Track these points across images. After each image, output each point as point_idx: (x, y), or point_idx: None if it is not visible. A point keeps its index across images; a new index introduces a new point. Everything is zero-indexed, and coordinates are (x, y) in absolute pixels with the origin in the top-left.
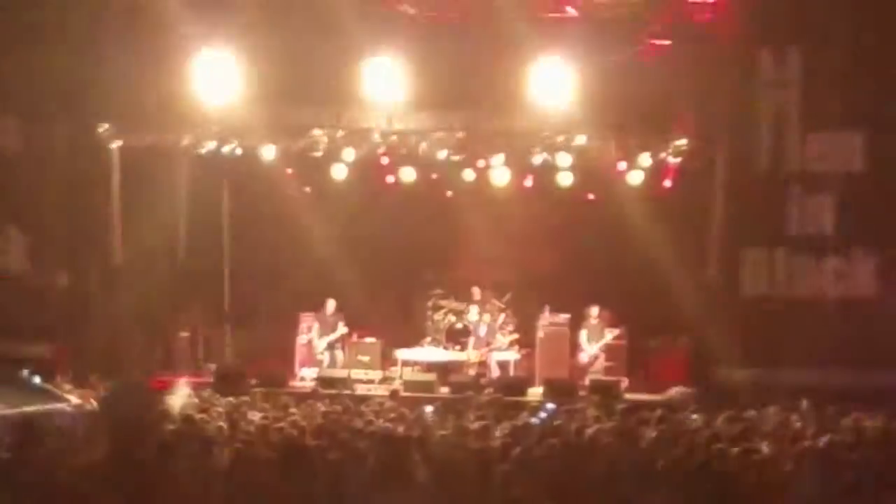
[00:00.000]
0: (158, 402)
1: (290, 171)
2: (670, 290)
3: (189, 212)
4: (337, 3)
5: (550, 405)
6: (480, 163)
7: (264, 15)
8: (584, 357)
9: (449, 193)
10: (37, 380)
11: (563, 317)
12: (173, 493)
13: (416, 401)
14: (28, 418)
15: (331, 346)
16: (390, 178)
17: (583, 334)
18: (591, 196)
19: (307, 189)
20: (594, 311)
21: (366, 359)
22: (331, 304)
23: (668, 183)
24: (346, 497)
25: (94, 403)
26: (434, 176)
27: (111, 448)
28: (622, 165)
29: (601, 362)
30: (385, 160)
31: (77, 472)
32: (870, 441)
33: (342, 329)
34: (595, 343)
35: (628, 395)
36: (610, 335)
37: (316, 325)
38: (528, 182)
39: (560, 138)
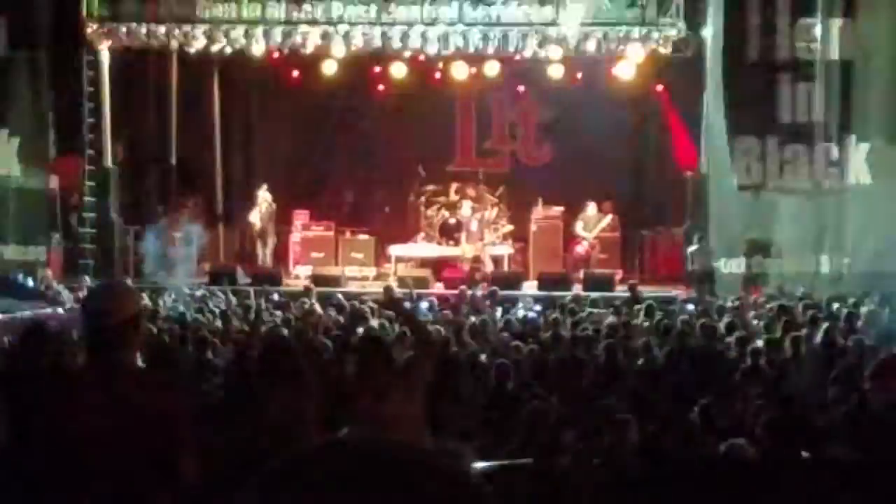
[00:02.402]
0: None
1: (278, 62)
2: (663, 181)
3: (180, 112)
4: None
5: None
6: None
7: None
8: (581, 248)
9: (443, 89)
10: (30, 283)
11: (557, 209)
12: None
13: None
14: (23, 322)
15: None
16: (378, 69)
17: (578, 225)
18: (584, 87)
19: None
20: (591, 206)
21: (360, 255)
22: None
23: (660, 88)
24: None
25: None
26: (427, 71)
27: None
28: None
29: (597, 252)
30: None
31: (71, 377)
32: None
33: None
34: (592, 230)
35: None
36: (607, 219)
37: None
38: (520, 75)
39: (550, 31)
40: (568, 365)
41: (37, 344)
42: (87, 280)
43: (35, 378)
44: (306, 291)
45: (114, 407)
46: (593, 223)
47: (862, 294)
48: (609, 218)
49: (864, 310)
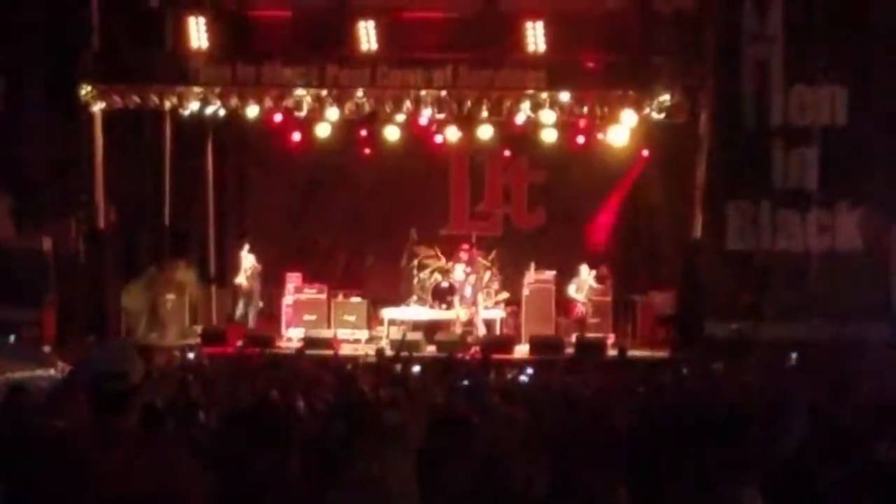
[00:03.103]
0: (141, 364)
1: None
2: (656, 245)
3: (174, 173)
4: None
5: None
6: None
7: None
8: (579, 309)
9: (437, 152)
10: (22, 345)
11: (549, 274)
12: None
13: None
14: (13, 385)
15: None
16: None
17: (571, 287)
18: (579, 152)
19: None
20: (584, 269)
21: (352, 318)
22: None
23: (645, 152)
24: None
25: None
26: (421, 135)
27: (90, 415)
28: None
29: (590, 315)
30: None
31: (57, 440)
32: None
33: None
34: (585, 292)
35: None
36: (591, 277)
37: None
38: (513, 139)
39: (544, 95)
40: (561, 430)
41: (19, 406)
42: (80, 342)
43: (29, 441)
44: (298, 354)
45: (119, 472)
46: (586, 285)
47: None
48: (594, 275)
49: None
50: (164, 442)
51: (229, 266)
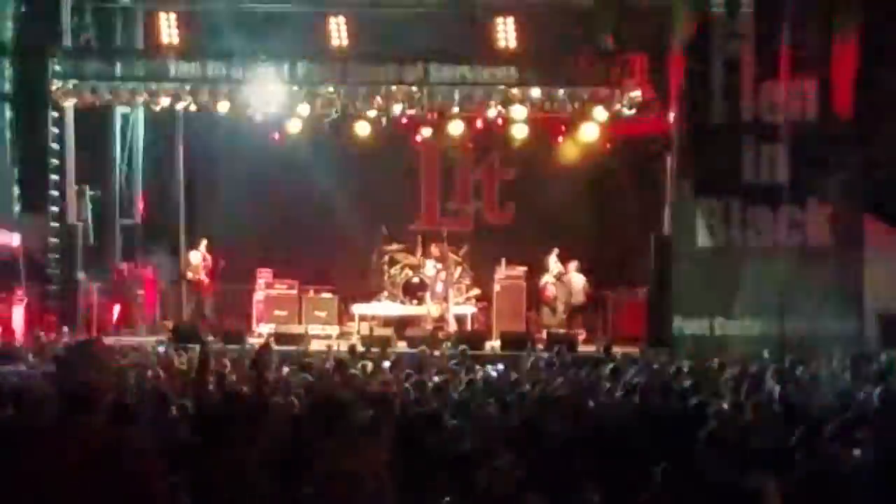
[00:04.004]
0: (112, 362)
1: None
2: (627, 242)
3: (145, 168)
4: None
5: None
6: (432, 116)
7: None
8: (549, 291)
9: (408, 148)
10: None
11: (520, 269)
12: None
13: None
14: None
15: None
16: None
17: (545, 276)
18: (549, 148)
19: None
20: (553, 255)
21: (322, 314)
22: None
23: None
24: (291, 458)
25: (51, 364)
26: (392, 130)
27: (59, 414)
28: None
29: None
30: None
31: (27, 439)
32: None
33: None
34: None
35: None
36: (556, 260)
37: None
38: (483, 135)
39: (514, 91)
40: (532, 426)
41: None
42: (45, 336)
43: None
44: (267, 349)
45: (89, 467)
46: (556, 269)
47: (822, 357)
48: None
49: (824, 372)
50: (127, 439)
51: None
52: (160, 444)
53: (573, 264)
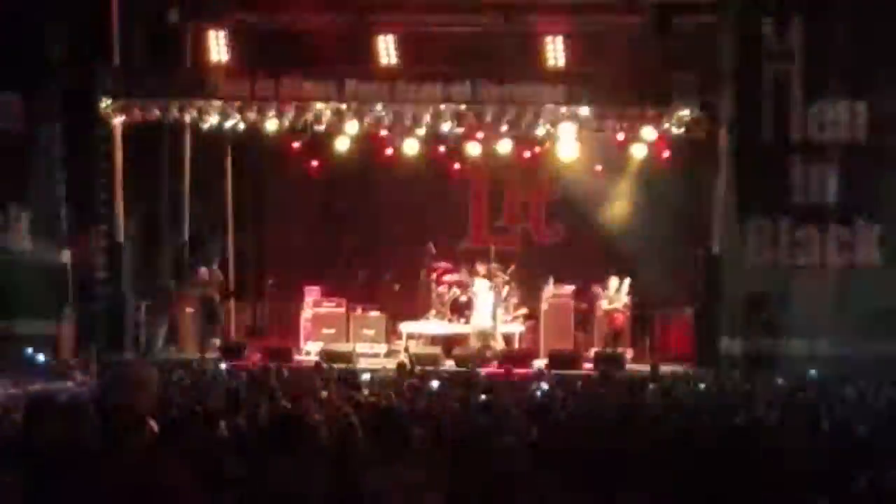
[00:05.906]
0: (156, 383)
1: (295, 144)
2: (675, 260)
3: (193, 186)
4: None
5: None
6: (481, 134)
7: None
8: (618, 318)
9: (456, 166)
10: (40, 358)
11: (568, 288)
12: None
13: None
14: (33, 397)
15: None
16: (389, 151)
17: (603, 303)
18: (597, 167)
19: (314, 163)
20: (613, 280)
21: (370, 332)
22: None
23: (666, 153)
24: (343, 472)
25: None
26: (440, 149)
27: (104, 436)
28: (621, 136)
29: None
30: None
31: (70, 461)
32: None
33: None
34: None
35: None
36: (624, 286)
37: None
38: (531, 153)
39: (563, 109)
40: (578, 446)
41: (44, 417)
42: (97, 356)
43: (53, 453)
44: (317, 368)
45: (132, 489)
46: (621, 296)
47: (871, 376)
48: (627, 283)
49: (872, 392)
50: (168, 461)
51: (248, 280)
52: (203, 467)
53: (625, 284)
